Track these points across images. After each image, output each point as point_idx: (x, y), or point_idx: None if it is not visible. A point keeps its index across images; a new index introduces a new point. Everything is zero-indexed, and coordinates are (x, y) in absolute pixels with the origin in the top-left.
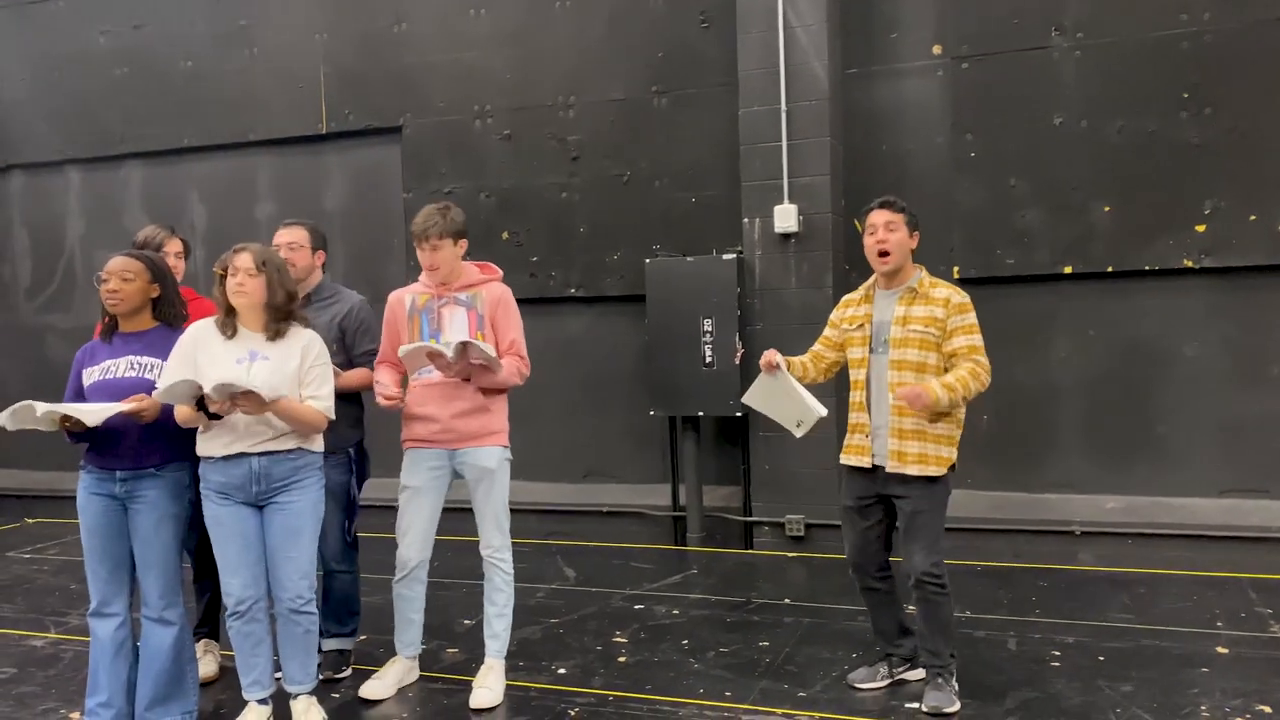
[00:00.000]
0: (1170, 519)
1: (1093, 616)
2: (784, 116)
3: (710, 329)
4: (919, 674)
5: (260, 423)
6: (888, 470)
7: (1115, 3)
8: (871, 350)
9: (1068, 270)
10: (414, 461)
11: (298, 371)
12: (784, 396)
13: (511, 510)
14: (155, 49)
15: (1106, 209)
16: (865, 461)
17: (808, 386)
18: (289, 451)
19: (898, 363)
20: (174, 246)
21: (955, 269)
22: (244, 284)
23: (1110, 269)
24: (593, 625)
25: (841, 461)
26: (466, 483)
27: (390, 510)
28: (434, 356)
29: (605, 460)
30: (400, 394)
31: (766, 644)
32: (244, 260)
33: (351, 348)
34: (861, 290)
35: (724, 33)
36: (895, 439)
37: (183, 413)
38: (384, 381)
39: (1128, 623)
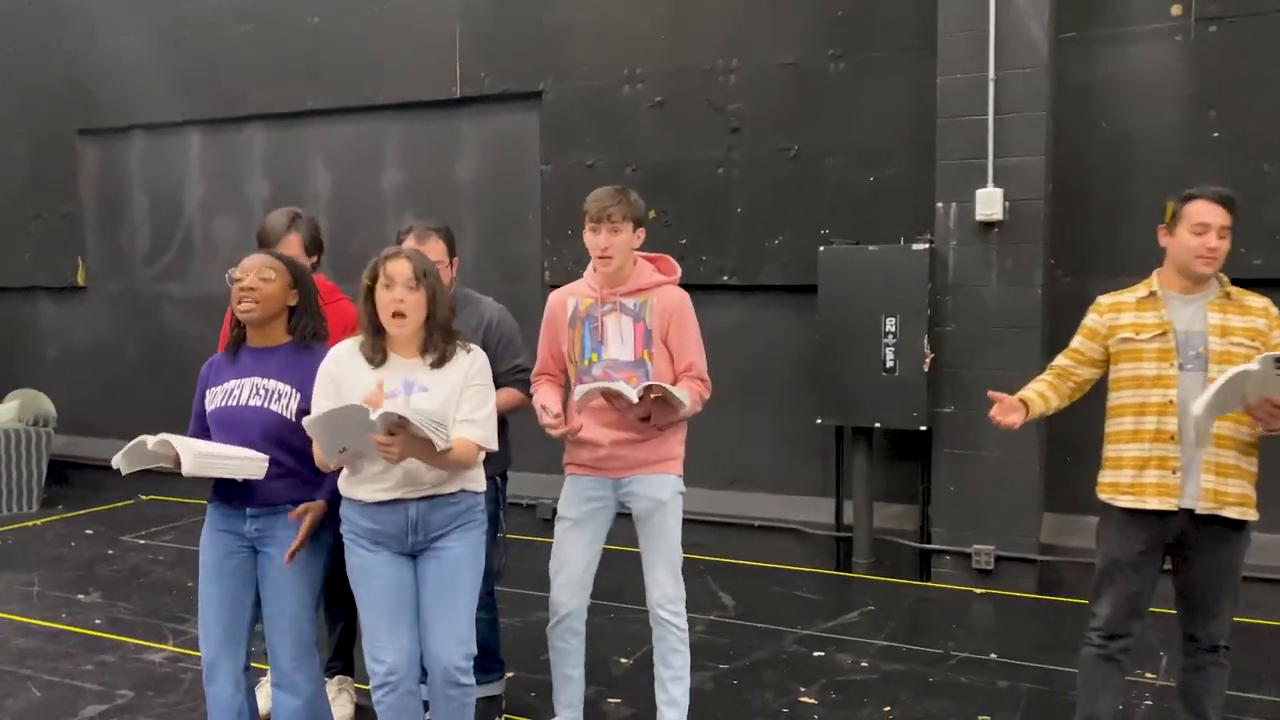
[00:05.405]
0: None
1: None
2: (991, 86)
3: (893, 329)
4: None
5: (422, 468)
6: (1198, 512)
7: None
8: (1181, 366)
9: None
10: (572, 489)
11: (458, 397)
12: None
13: None
14: (280, 6)
15: None
16: (1172, 504)
17: None
18: (451, 495)
19: None
20: (295, 239)
21: None
22: (404, 301)
23: None
24: (770, 676)
25: (1127, 506)
26: (632, 519)
27: (519, 541)
28: (611, 397)
29: (752, 467)
30: (564, 417)
31: (988, 718)
32: (402, 270)
33: (496, 364)
34: (1142, 291)
35: None
36: (1213, 475)
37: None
38: (547, 402)
39: None
